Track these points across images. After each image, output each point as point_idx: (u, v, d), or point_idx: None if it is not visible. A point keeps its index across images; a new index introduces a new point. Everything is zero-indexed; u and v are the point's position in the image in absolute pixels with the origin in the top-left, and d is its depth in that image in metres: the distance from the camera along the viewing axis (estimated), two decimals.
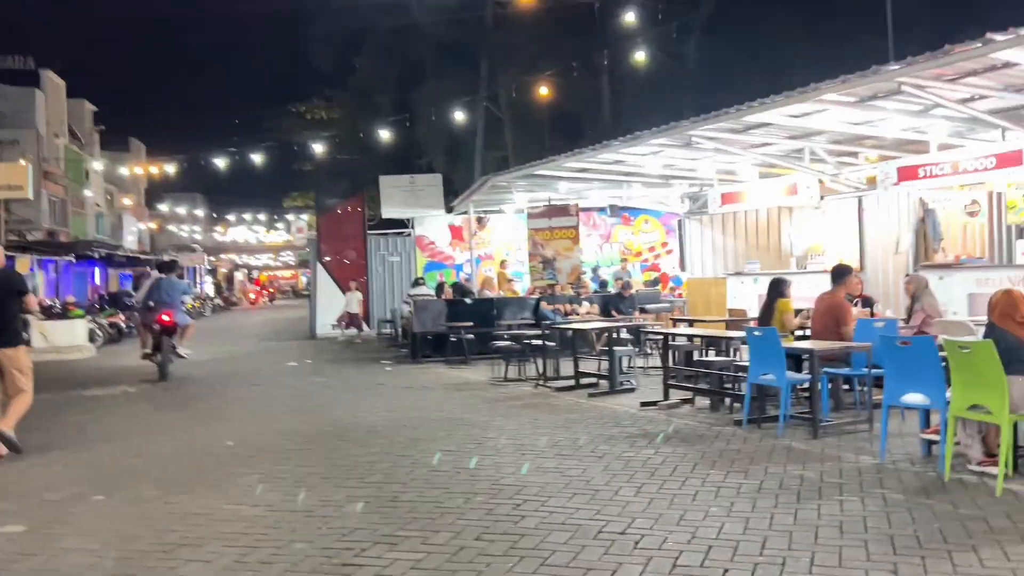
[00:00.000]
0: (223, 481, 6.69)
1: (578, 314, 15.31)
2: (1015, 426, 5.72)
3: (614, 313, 15.54)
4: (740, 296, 15.23)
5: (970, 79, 9.36)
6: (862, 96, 10.34)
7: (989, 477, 5.81)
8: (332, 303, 22.06)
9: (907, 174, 12.48)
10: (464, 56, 28.45)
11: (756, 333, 8.02)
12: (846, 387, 8.98)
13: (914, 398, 6.29)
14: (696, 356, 11.34)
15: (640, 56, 24.82)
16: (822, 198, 14.10)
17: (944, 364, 6.07)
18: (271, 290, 68.46)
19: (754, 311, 13.17)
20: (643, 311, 15.90)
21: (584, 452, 7.24)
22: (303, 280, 64.64)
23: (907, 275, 10.15)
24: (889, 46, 20.03)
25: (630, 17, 24.90)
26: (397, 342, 19.05)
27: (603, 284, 18.90)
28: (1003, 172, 11.22)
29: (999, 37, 7.86)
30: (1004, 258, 13.34)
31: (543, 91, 25.57)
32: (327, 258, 22.93)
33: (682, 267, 18.91)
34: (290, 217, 53.34)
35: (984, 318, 10.01)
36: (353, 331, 21.19)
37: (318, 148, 25.96)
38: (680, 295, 19.57)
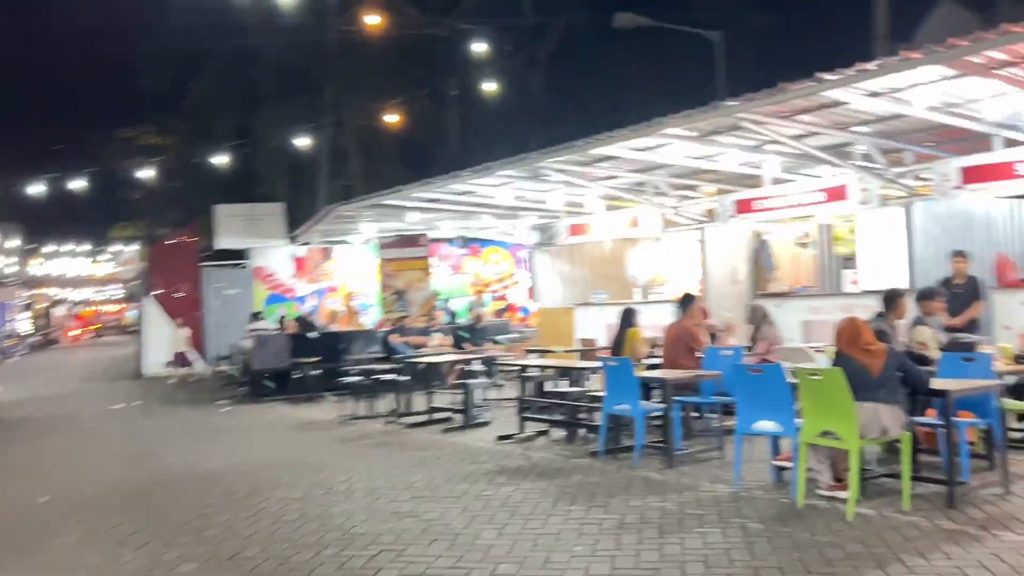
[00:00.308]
0: (34, 545, 5.91)
1: (429, 347, 14.98)
2: (860, 451, 5.87)
3: (466, 345, 15.35)
4: (588, 326, 15.40)
5: (802, 116, 9.84)
6: (703, 131, 10.68)
7: (839, 501, 5.93)
8: (163, 339, 20.70)
9: (744, 207, 13.03)
10: (308, 82, 27.72)
11: (611, 363, 7.98)
12: (695, 415, 9.11)
13: (766, 425, 6.37)
14: (549, 387, 11.31)
15: (487, 87, 24.99)
16: (664, 230, 14.49)
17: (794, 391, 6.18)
18: (96, 326, 63.95)
19: (603, 341, 13.33)
20: (494, 342, 15.80)
21: (441, 493, 6.92)
22: (131, 315, 60.79)
23: (749, 304, 10.49)
24: (721, 86, 21.00)
25: (478, 48, 25.05)
26: (235, 380, 18.02)
27: (453, 316, 18.70)
28: (831, 206, 11.87)
29: (828, 76, 8.27)
30: (833, 287, 14.13)
31: (390, 120, 25.25)
32: (157, 291, 21.53)
33: (532, 297, 19.00)
34: (117, 248, 50.18)
35: (819, 344, 10.56)
36: (184, 370, 19.90)
37: (148, 175, 24.48)
38: (529, 325, 19.65)
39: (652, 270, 17.32)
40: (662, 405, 7.96)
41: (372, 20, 26.60)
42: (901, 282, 11.07)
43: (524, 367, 10.18)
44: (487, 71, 25.52)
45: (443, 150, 28.85)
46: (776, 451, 6.80)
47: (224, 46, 27.45)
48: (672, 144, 11.34)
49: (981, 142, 10.61)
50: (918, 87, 8.63)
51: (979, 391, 6.04)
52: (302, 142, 26.05)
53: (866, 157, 10.80)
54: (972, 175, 10.18)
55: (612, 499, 6.44)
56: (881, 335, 7.21)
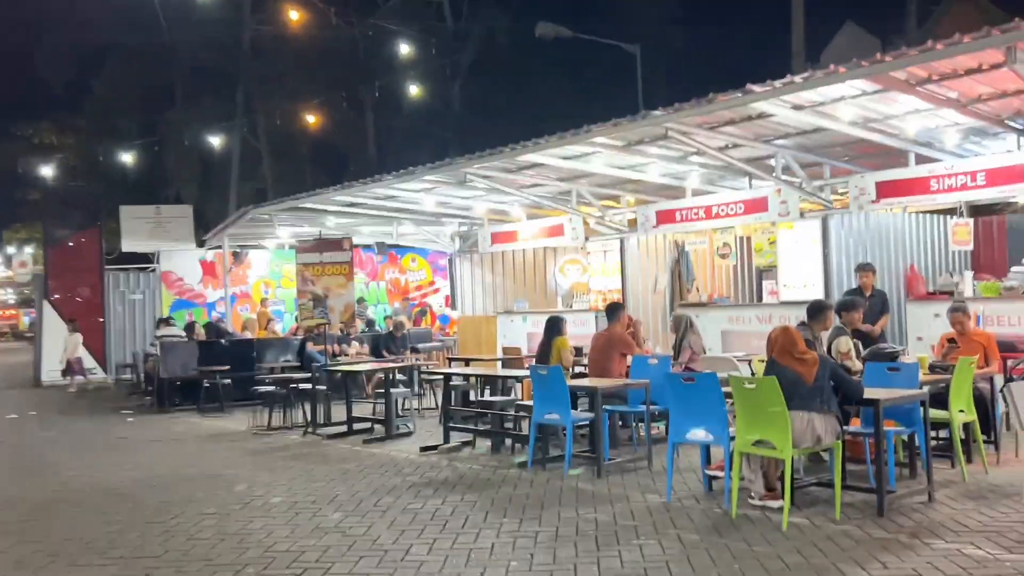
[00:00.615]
0: None
1: (347, 355, 14.59)
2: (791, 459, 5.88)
3: (385, 353, 15.00)
4: (510, 334, 15.27)
5: (728, 128, 9.92)
6: (629, 140, 10.67)
7: (771, 511, 5.92)
8: (61, 346, 19.65)
9: (665, 217, 13.11)
10: (220, 81, 26.84)
11: (541, 372, 7.84)
12: (620, 424, 9.06)
13: (698, 435, 6.33)
14: (473, 396, 11.12)
15: (406, 93, 24.68)
16: (587, 239, 14.48)
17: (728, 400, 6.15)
18: None
19: (525, 349, 13.21)
20: (415, 350, 15.49)
21: (366, 507, 6.64)
22: (25, 321, 57.71)
23: (673, 314, 10.52)
24: (639, 100, 21.23)
25: (397, 54, 24.73)
26: (140, 389, 17.22)
27: (370, 323, 18.28)
28: (751, 217, 12.04)
29: (756, 88, 8.34)
30: (752, 298, 14.37)
31: (305, 123, 24.67)
32: (56, 296, 20.44)
33: (453, 305, 18.75)
34: (11, 250, 47.64)
35: (739, 353, 10.67)
36: (80, 379, 18.88)
37: (47, 174, 23.25)
38: (448, 333, 19.40)
39: (574, 279, 17.33)
40: (592, 415, 7.89)
41: (288, 20, 26.04)
42: (817, 293, 11.33)
43: (449, 376, 9.95)
44: (406, 76, 25.22)
45: (359, 155, 28.37)
46: (707, 461, 6.77)
47: (131, 41, 26.34)
48: (598, 153, 11.32)
49: (895, 158, 10.91)
50: (840, 102, 8.79)
51: (908, 400, 6.12)
52: (213, 143, 25.25)
53: (786, 170, 10.98)
54: (887, 190, 10.45)
55: (544, 511, 6.29)
56: (808, 345, 7.30)
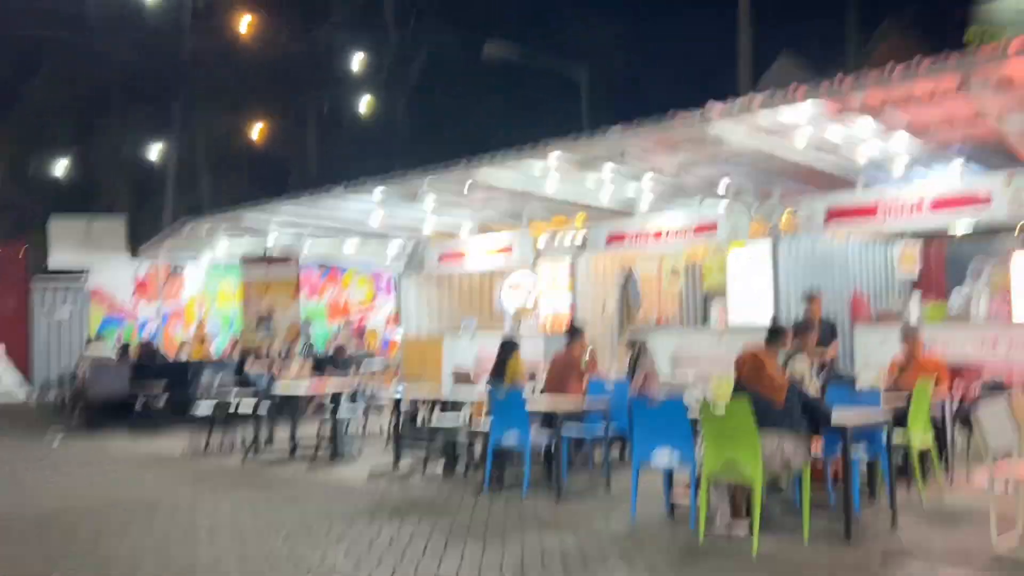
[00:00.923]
0: None
1: (289, 375, 14.10)
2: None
3: (327, 373, 14.59)
4: (457, 355, 15.03)
5: (683, 148, 9.92)
6: (585, 158, 10.60)
7: (738, 536, 5.81)
8: None
9: (615, 238, 13.08)
10: (156, 91, 26.06)
11: (499, 394, 7.64)
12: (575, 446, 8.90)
13: (663, 459, 6.20)
14: (422, 418, 10.84)
15: (350, 110, 24.34)
16: (536, 258, 14.36)
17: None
18: None
19: (472, 370, 12.98)
20: (358, 370, 15.12)
21: (319, 534, 6.33)
22: None
23: (628, 337, 10.44)
24: (583, 123, 21.32)
25: (342, 69, 24.41)
26: (67, 409, 16.43)
27: (310, 344, 17.84)
28: (700, 238, 12.08)
29: (716, 108, 8.35)
30: (699, 321, 14.41)
31: (246, 137, 24.12)
32: None
33: (394, 324, 18.41)
34: None
35: (690, 377, 10.65)
36: None
37: None
38: (391, 353, 19.05)
39: (522, 300, 17.17)
40: (547, 437, 7.71)
41: (231, 31, 25.51)
42: (766, 317, 11.37)
43: (399, 398, 9.66)
44: (351, 92, 24.90)
45: (301, 171, 27.85)
46: (670, 485, 6.64)
47: (63, 47, 25.42)
48: (552, 171, 11.22)
49: (844, 182, 11.07)
50: (796, 127, 8.86)
51: (874, 425, 6.10)
52: (149, 155, 24.51)
53: (738, 193, 11.04)
54: (836, 214, 10.58)
55: (507, 537, 6.08)
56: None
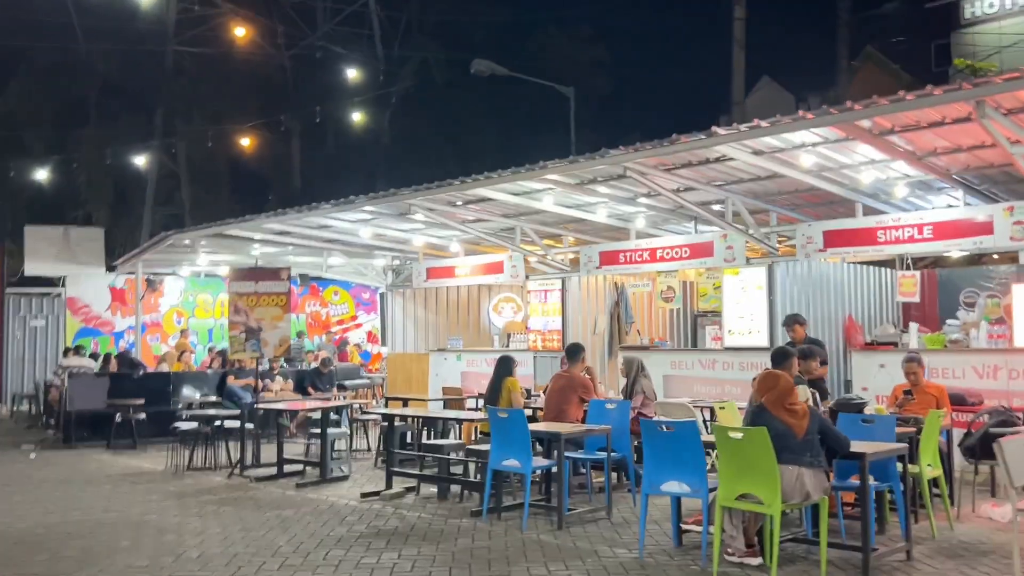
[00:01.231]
0: None
1: (271, 391, 13.82)
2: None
3: (310, 390, 14.31)
4: (443, 373, 14.82)
5: (683, 170, 9.83)
6: (583, 178, 10.49)
7: (751, 568, 5.66)
8: None
9: (609, 259, 12.94)
10: (137, 100, 25.72)
11: (501, 415, 7.45)
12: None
13: (675, 486, 6.03)
14: (410, 438, 10.63)
15: (335, 123, 24.13)
16: (527, 277, 14.21)
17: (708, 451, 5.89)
18: None
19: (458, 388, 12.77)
20: (342, 388, 14.86)
21: (314, 560, 6.08)
22: None
23: (624, 357, 10.28)
24: (571, 141, 21.27)
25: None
26: (41, 422, 16.01)
27: (290, 360, 17.51)
28: (696, 262, 11.98)
29: (721, 131, 8.26)
30: (689, 342, 14.32)
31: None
32: None
33: (374, 341, 18.14)
34: None
35: (683, 399, 10.49)
36: None
37: None
38: (371, 370, 18.77)
39: (508, 318, 17.02)
40: (548, 461, 7.53)
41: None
42: (762, 340, 11.30)
43: (392, 417, 9.43)
44: (335, 106, 24.69)
45: (283, 184, 27.57)
46: (678, 512, 6.47)
47: (43, 54, 25.06)
48: (549, 190, 11.09)
49: (840, 208, 11.04)
50: (800, 149, 8.79)
51: (890, 454, 5.97)
52: (128, 165, 24.10)
53: (736, 216, 10.96)
54: (835, 239, 10.51)
55: (512, 567, 5.87)
56: None
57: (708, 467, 6.12)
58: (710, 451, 6.72)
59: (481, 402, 12.17)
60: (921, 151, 8.75)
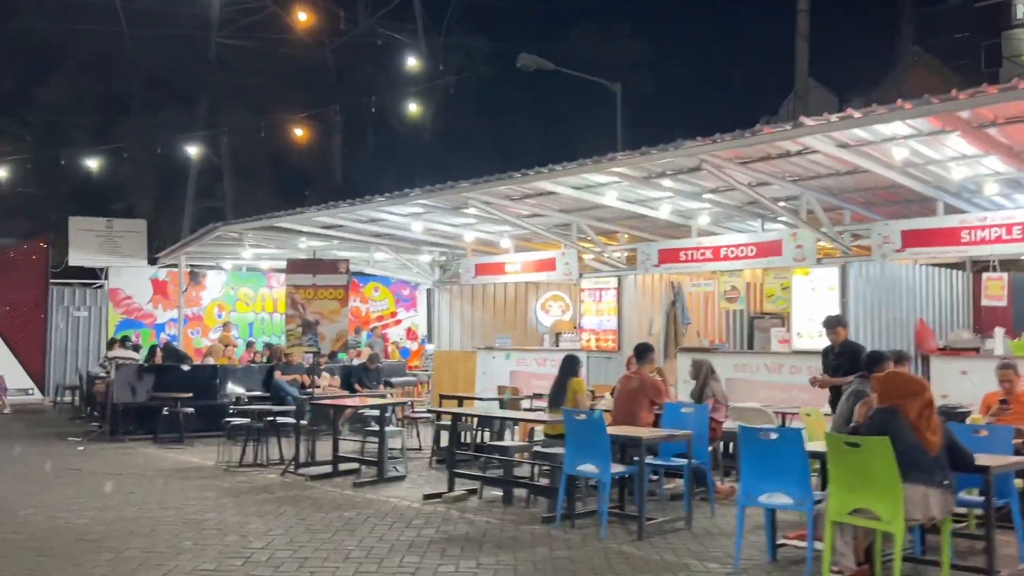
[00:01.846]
0: None
1: (319, 387, 13.54)
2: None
3: (357, 387, 14.05)
4: (491, 372, 14.48)
5: (760, 164, 9.41)
6: (651, 172, 10.09)
7: None
8: (2, 363, 18.19)
9: (668, 256, 12.51)
10: (181, 93, 25.64)
11: (578, 417, 7.08)
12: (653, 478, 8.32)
13: (775, 498, 5.63)
14: (469, 437, 10.31)
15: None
16: (581, 275, 13.81)
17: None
18: None
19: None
20: (388, 385, 14.57)
21: (390, 567, 5.76)
22: None
23: (693, 359, 9.85)
24: (618, 138, 20.85)
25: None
26: (84, 413, 15.88)
27: (332, 354, 17.25)
28: (763, 261, 11.52)
29: (809, 122, 7.83)
30: (744, 344, 13.86)
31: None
32: None
33: (429, 339, 17.82)
34: None
35: (749, 404, 10.05)
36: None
37: None
38: (413, 368, 18.49)
39: (556, 316, 16.66)
40: (626, 468, 7.14)
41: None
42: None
43: (455, 416, 9.09)
44: (377, 103, 24.48)
45: (324, 178, 27.38)
46: (772, 524, 6.05)
47: (88, 46, 25.04)
48: (613, 184, 10.70)
49: (918, 206, 10.57)
50: (890, 142, 8.34)
51: (1013, 467, 5.53)
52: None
53: (810, 214, 10.50)
54: (913, 239, 10.01)
55: None
56: (863, 397, 6.70)
57: None
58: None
59: (535, 402, 11.93)
60: (1020, 145, 8.26)
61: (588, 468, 6.93)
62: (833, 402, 8.22)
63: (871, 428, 5.14)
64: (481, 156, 25.92)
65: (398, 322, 22.02)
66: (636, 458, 7.17)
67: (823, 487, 5.91)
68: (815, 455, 5.69)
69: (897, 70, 29.45)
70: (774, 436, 5.65)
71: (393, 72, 25.20)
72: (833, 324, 8.94)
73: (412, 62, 24.64)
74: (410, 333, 22.29)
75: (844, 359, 8.50)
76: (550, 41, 27.72)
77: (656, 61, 31.99)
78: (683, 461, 7.36)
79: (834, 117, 7.73)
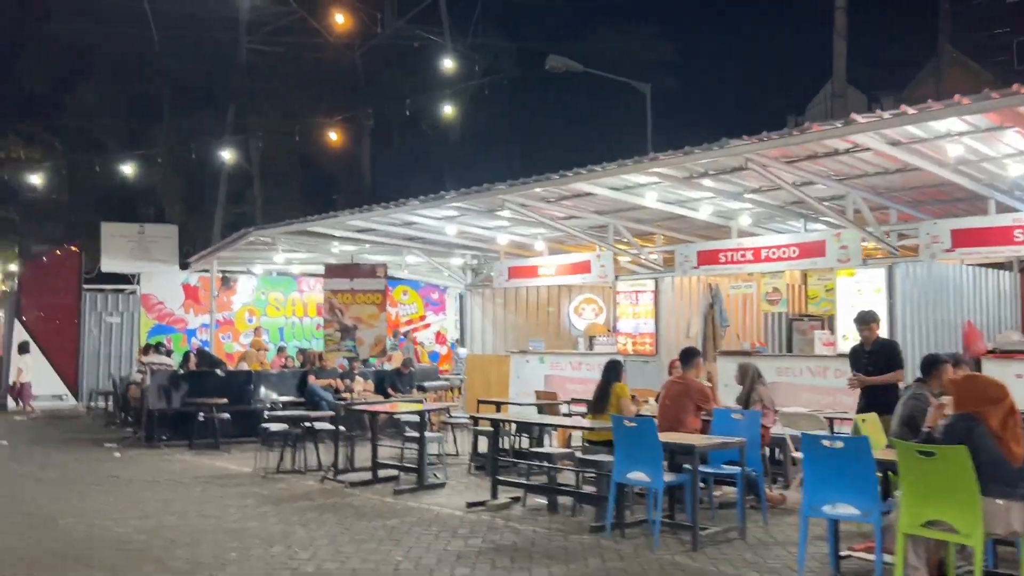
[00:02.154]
0: None
1: (352, 392, 13.44)
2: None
3: (391, 391, 13.94)
4: (525, 375, 14.32)
5: (806, 163, 9.18)
6: (693, 172, 9.89)
7: None
8: (36, 368, 18.27)
9: (708, 258, 12.28)
10: (211, 98, 25.73)
11: (628, 424, 6.89)
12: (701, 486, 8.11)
13: (841, 509, 5.41)
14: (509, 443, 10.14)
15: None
16: (617, 278, 13.61)
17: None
18: None
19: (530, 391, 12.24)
20: (421, 389, 14.45)
21: None
22: None
23: (739, 363, 9.63)
24: (648, 139, 20.62)
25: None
26: (119, 419, 15.87)
27: (365, 360, 17.15)
28: (806, 262, 11.27)
29: (861, 119, 7.61)
30: (782, 347, 13.59)
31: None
32: (29, 314, 19.03)
33: (462, 343, 17.67)
34: None
35: (797, 409, 9.81)
36: (35, 405, 17.18)
37: (27, 186, 21.97)
38: (444, 372, 18.35)
39: (589, 319, 16.46)
40: (679, 476, 6.95)
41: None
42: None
43: (495, 421, 8.93)
44: (405, 104, 24.41)
45: (352, 181, 27.35)
46: (835, 535, 5.83)
47: (117, 53, 25.20)
48: (653, 185, 10.51)
49: (964, 204, 10.30)
50: (944, 139, 8.09)
51: None
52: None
53: (856, 213, 10.25)
54: (964, 238, 9.74)
55: None
56: (922, 402, 6.47)
57: None
58: None
59: (572, 407, 11.74)
60: None
61: (638, 476, 6.75)
62: (868, 405, 7.88)
63: (949, 436, 4.90)
64: (507, 158, 25.83)
65: (427, 326, 21.92)
66: (686, 466, 7.01)
67: (884, 496, 5.69)
68: (883, 464, 5.47)
69: (927, 69, 28.99)
70: (839, 444, 5.43)
71: (420, 75, 25.15)
72: (867, 320, 8.57)
73: (439, 65, 24.51)
74: (439, 337, 22.20)
75: (879, 357, 8.23)
76: (573, 41, 27.60)
77: (680, 61, 31.72)
78: (733, 469, 7.18)
79: (887, 114, 7.51)
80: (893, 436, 6.26)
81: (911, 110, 7.34)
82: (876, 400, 7.83)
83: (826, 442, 5.50)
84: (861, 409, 7.97)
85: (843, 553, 5.82)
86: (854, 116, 7.64)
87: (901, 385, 7.90)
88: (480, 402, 11.91)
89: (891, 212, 10.68)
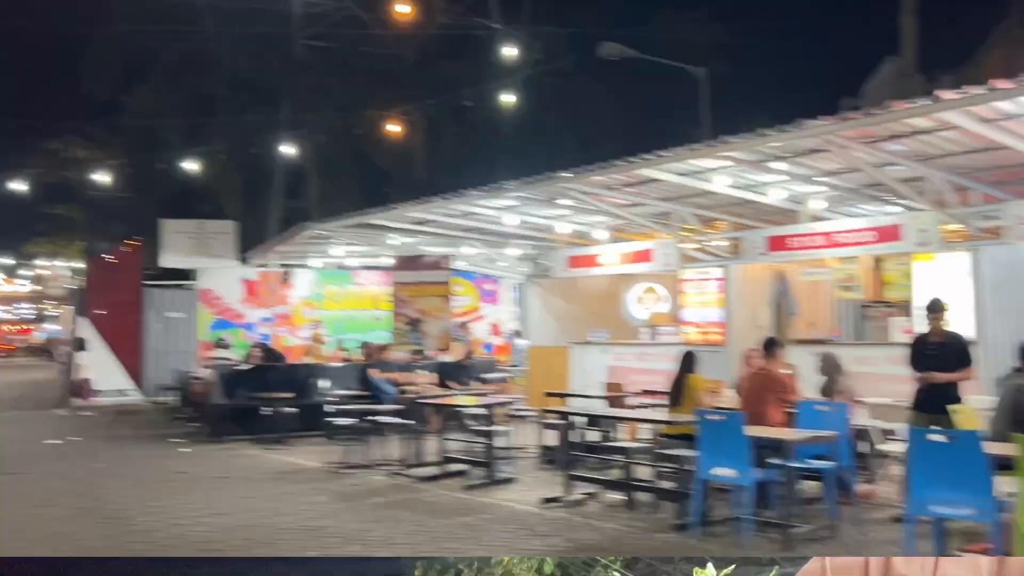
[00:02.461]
0: None
1: (415, 385, 13.32)
2: None
3: (452, 384, 13.81)
4: (587, 367, 14.10)
5: (886, 144, 8.80)
6: (765, 155, 9.56)
7: None
8: (99, 364, 18.59)
9: (778, 244, 11.97)
10: (266, 94, 25.88)
11: (713, 417, 6.65)
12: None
13: (952, 508, 5.12)
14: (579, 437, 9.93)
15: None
16: (682, 265, 13.29)
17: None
18: (10, 347, 58.61)
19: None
20: (482, 381, 14.29)
21: None
22: (40, 336, 55.97)
23: (820, 352, 9.30)
24: (703, 124, 20.18)
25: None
26: (183, 414, 16.02)
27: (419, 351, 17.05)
28: (882, 246, 10.88)
29: (949, 95, 7.24)
30: (859, 335, 13.16)
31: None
32: (95, 311, 19.35)
33: (519, 334, 17.49)
34: (44, 264, 46.47)
35: (882, 400, 9.42)
36: (94, 401, 17.40)
37: (91, 185, 22.37)
38: (501, 363, 18.19)
39: (652, 309, 16.15)
40: (768, 472, 6.68)
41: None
42: (966, 334, 10.10)
43: (567, 415, 8.74)
44: (458, 94, 24.28)
45: (402, 175, 27.29)
46: (943, 536, 5.54)
47: (174, 52, 25.49)
48: (722, 169, 10.20)
49: None
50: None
51: None
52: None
53: (937, 195, 9.82)
54: None
55: None
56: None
57: None
58: None
59: (642, 399, 11.48)
60: None
61: (724, 472, 6.52)
62: (927, 400, 7.42)
63: None
64: (561, 146, 25.52)
65: (480, 318, 21.77)
66: (770, 460, 6.74)
67: None
68: (998, 460, 5.16)
69: (985, 46, 27.97)
70: (949, 439, 5.13)
71: (473, 66, 24.95)
72: (939, 308, 8.03)
73: (492, 55, 24.36)
74: (494, 328, 22.03)
75: (951, 351, 7.65)
76: (625, 27, 27.15)
77: (730, 45, 31.05)
78: (820, 464, 6.90)
79: (977, 90, 7.12)
80: (997, 431, 5.95)
81: (1007, 84, 6.94)
82: (937, 396, 7.37)
83: (934, 437, 5.20)
84: (919, 404, 7.54)
85: (955, 554, 5.51)
86: (939, 93, 7.27)
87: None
88: (548, 395, 11.71)
89: (972, 193, 10.21)
